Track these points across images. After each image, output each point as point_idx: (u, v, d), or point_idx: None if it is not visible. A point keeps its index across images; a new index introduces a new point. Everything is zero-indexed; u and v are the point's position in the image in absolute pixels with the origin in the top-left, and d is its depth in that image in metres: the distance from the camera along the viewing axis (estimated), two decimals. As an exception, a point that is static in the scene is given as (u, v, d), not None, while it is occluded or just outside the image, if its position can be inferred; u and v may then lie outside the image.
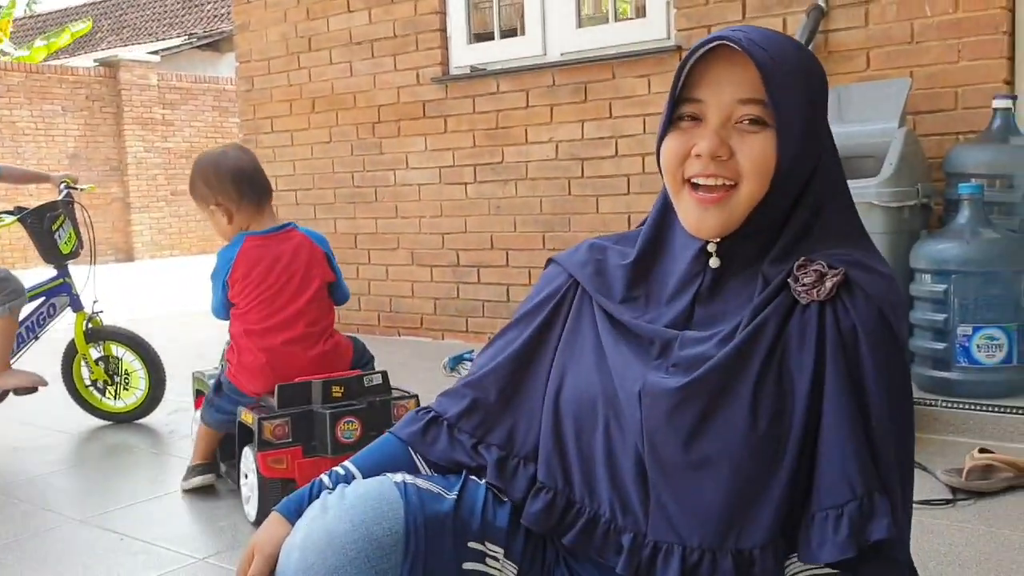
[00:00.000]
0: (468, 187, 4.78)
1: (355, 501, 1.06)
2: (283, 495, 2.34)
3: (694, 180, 1.05)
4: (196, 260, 12.82)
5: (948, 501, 2.30)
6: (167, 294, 8.29)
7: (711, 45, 1.02)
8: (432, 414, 1.24)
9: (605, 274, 1.18)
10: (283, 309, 2.51)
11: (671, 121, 1.08)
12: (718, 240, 1.07)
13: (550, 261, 1.26)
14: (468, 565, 1.10)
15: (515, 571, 1.14)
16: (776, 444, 1.01)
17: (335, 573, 1.01)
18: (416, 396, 2.50)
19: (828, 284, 1.01)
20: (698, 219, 1.05)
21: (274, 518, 1.15)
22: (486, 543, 1.12)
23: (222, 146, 2.63)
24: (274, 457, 2.34)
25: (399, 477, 1.11)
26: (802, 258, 1.04)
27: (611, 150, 4.24)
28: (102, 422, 3.55)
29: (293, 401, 2.42)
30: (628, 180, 4.22)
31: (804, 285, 1.02)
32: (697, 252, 1.10)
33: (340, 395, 2.42)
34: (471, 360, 4.35)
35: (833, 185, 1.09)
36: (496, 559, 1.12)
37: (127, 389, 3.56)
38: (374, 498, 1.06)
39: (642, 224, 1.19)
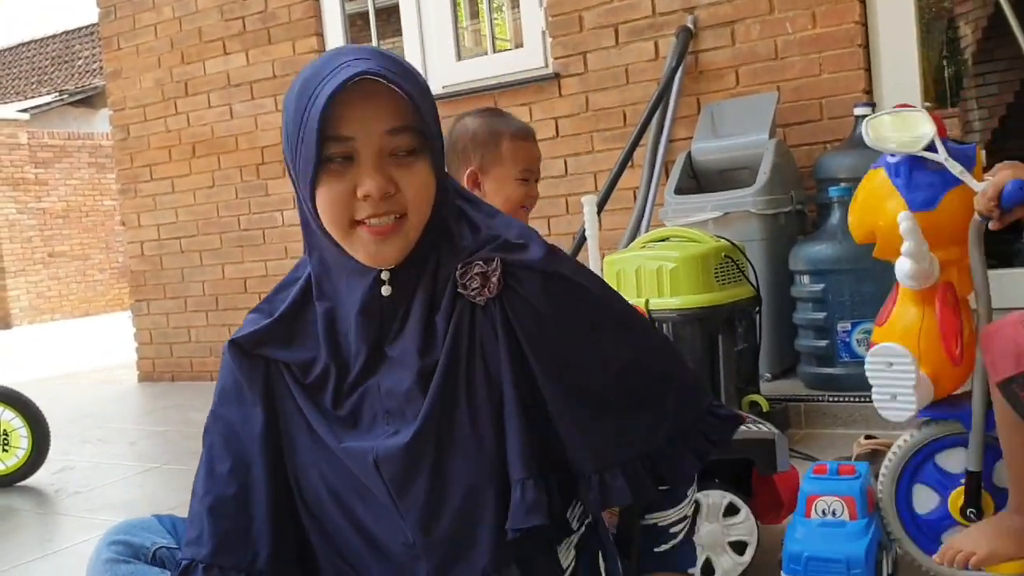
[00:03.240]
0: (357, 223, 4.75)
1: None
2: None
3: (367, 220, 1.02)
4: (79, 323, 12.34)
5: (841, 489, 2.37)
6: (48, 358, 7.94)
7: (352, 80, 0.96)
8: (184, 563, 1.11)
9: (290, 344, 1.12)
10: None
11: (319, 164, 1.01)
12: (391, 268, 1.06)
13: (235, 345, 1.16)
14: None
15: None
16: (502, 441, 1.04)
17: None
18: None
19: (494, 280, 1.04)
20: (376, 251, 1.02)
21: None
22: None
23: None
24: None
25: None
26: (459, 265, 1.06)
27: (497, 178, 4.29)
28: (-20, 487, 3.37)
29: None
30: (516, 206, 4.26)
31: (475, 289, 1.04)
32: (368, 286, 1.06)
33: None
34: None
35: (455, 185, 1.15)
36: None
37: (7, 450, 3.38)
38: None
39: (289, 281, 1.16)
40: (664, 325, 2.61)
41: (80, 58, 16.61)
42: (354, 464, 1.07)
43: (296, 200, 1.12)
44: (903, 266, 1.66)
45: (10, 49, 17.70)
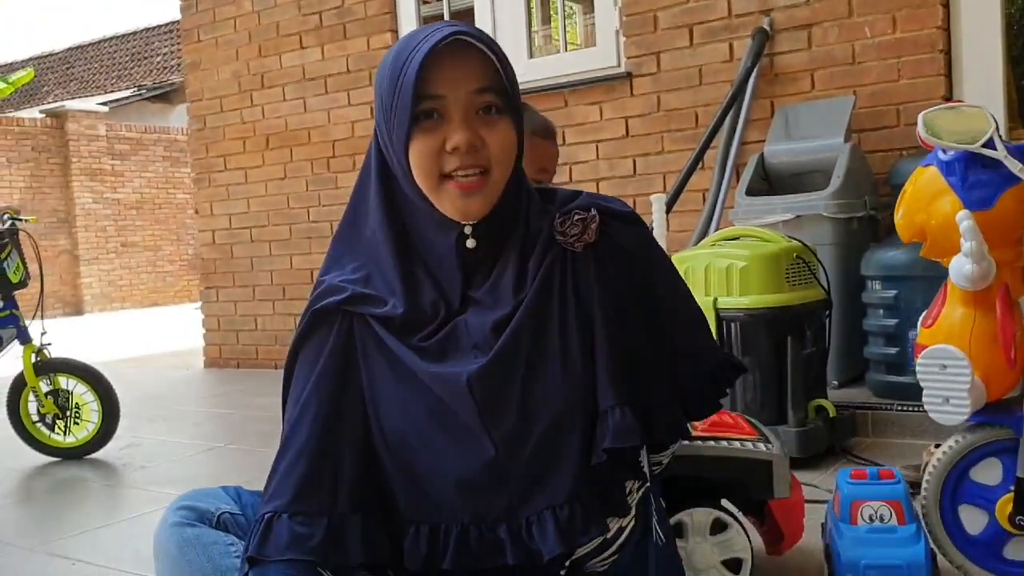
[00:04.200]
0: (424, 218, 4.79)
1: None
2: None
3: (454, 173, 1.09)
4: (147, 312, 12.63)
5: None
6: (117, 344, 8.14)
7: (447, 40, 1.05)
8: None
9: (374, 297, 1.17)
10: None
11: (413, 121, 1.08)
12: (474, 223, 1.12)
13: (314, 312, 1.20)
14: None
15: None
16: (591, 372, 1.10)
17: None
18: None
19: (593, 226, 1.13)
20: (465, 204, 1.10)
21: None
22: None
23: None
24: None
25: None
26: (558, 215, 1.14)
27: (565, 176, 4.29)
28: (51, 459, 3.46)
29: None
30: (583, 206, 4.25)
31: (573, 235, 1.13)
32: (454, 239, 1.13)
33: None
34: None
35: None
36: None
37: (78, 423, 3.47)
38: None
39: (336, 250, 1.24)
40: (732, 325, 2.58)
41: (158, 55, 17.04)
42: (443, 387, 1.09)
43: (369, 174, 1.20)
44: (962, 268, 1.59)
45: (92, 44, 18.22)
